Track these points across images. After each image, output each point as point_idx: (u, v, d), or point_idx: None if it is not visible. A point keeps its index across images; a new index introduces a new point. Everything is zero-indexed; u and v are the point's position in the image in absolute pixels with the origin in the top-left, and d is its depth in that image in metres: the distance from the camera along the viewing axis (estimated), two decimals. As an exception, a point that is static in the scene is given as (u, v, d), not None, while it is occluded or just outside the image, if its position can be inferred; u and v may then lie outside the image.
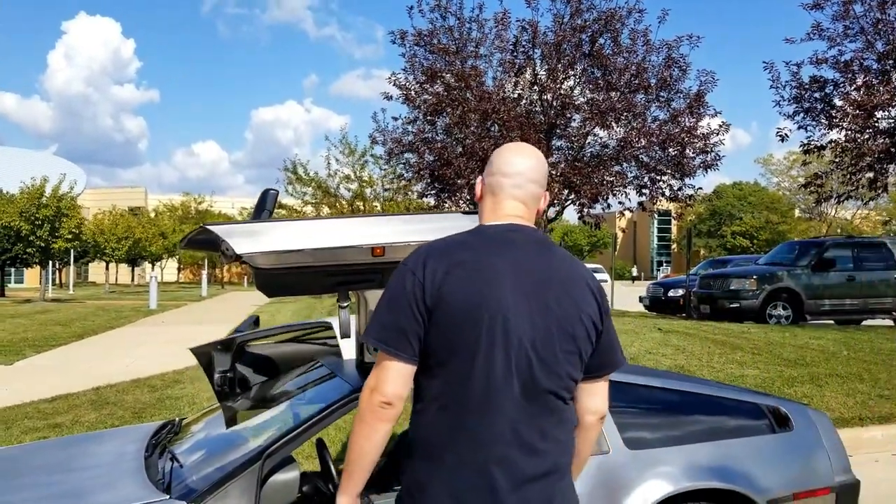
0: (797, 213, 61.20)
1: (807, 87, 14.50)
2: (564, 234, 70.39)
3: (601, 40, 15.61)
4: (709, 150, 15.52)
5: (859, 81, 14.07)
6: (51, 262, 30.29)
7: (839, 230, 46.73)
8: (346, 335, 2.83)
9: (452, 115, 15.69)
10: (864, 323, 13.89)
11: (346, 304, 2.84)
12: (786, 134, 14.92)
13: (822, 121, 14.50)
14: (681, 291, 16.94)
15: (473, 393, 1.74)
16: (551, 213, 16.13)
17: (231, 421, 3.52)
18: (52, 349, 11.69)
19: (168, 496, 2.60)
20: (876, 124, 13.86)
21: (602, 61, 15.50)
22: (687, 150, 15.49)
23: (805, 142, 14.77)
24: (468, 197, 15.81)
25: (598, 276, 54.30)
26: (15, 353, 11.09)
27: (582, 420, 1.91)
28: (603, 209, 16.36)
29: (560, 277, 1.82)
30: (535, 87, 16.04)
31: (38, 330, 14.38)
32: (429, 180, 16.92)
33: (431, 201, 17.58)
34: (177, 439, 3.39)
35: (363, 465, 1.81)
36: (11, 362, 10.22)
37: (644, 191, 16.13)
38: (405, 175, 18.26)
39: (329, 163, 26.71)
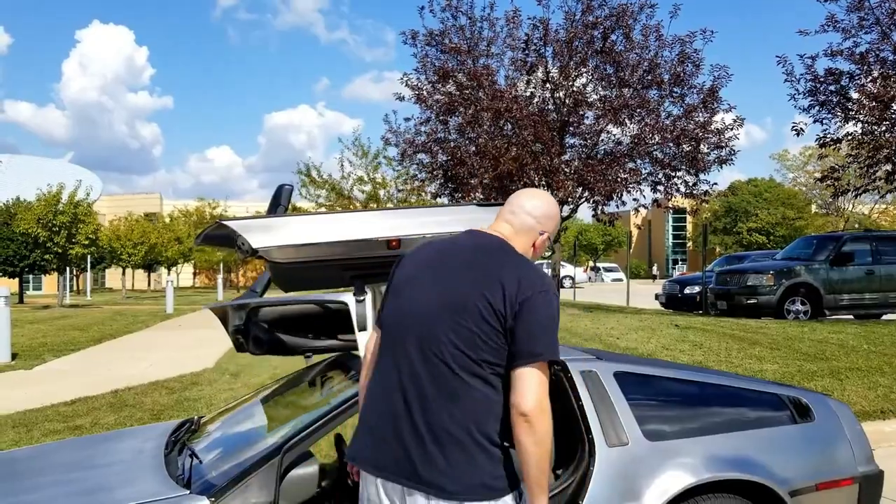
0: (814, 208, 60.60)
1: (822, 79, 14.38)
2: (579, 233, 70.01)
3: (613, 36, 15.54)
4: (723, 144, 15.41)
5: (875, 73, 13.94)
6: (68, 269, 30.53)
7: (857, 225, 46.21)
8: (362, 328, 2.82)
9: (465, 114, 15.68)
10: (884, 317, 13.74)
11: (362, 298, 2.84)
12: (801, 128, 14.83)
13: (838, 113, 14.38)
14: (697, 288, 16.81)
15: None
16: (565, 211, 16.05)
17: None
18: (72, 353, 11.77)
19: (188, 491, 2.61)
20: (893, 116, 13.72)
21: (614, 58, 15.44)
22: (701, 146, 15.38)
23: (821, 135, 14.64)
24: (482, 196, 15.79)
25: (614, 275, 54.26)
26: (35, 357, 11.20)
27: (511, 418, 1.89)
28: (617, 206, 16.28)
29: (470, 261, 2.00)
30: (548, 85, 15.99)
31: (57, 335, 14.49)
32: (442, 180, 16.92)
33: (445, 201, 17.56)
34: (196, 436, 3.41)
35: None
36: (32, 367, 10.32)
37: (659, 187, 16.03)
38: (419, 176, 18.25)
39: (342, 165, 26.83)
